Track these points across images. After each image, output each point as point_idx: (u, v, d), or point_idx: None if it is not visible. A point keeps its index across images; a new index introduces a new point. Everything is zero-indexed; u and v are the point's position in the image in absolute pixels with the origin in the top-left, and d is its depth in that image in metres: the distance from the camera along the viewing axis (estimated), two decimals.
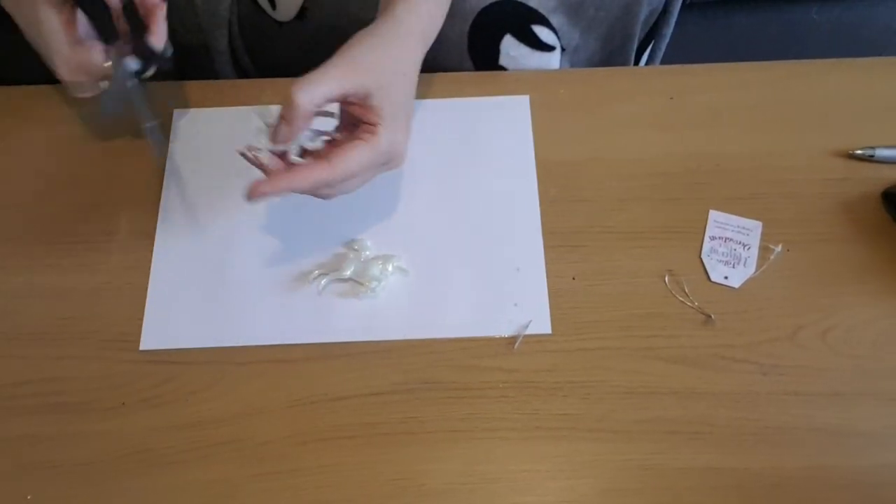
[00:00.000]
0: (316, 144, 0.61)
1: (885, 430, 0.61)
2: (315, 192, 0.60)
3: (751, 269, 0.67)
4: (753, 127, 0.74)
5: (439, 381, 0.63)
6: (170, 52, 0.66)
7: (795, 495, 0.59)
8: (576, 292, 0.66)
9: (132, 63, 0.64)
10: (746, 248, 0.68)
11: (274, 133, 0.58)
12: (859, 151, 0.71)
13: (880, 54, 0.78)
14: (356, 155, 0.58)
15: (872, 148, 0.71)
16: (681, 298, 0.66)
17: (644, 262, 0.67)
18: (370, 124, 0.59)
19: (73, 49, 0.62)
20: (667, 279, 0.67)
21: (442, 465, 0.60)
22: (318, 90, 0.56)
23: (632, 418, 0.62)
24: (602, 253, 0.68)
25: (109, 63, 0.63)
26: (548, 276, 0.67)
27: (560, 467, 0.60)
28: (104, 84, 0.65)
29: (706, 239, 0.68)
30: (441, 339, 0.65)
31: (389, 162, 0.61)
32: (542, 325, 0.65)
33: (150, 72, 0.65)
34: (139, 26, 0.63)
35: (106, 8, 0.62)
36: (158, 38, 0.64)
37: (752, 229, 0.68)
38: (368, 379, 0.63)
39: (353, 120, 0.61)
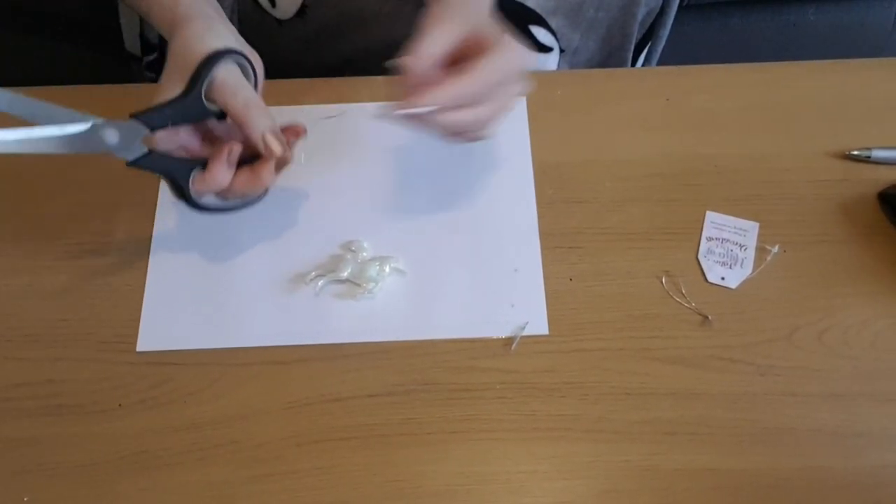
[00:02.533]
0: None
1: (882, 430, 0.61)
2: (459, 113, 0.58)
3: (748, 270, 0.67)
4: (750, 128, 0.74)
5: (436, 382, 0.63)
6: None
7: (793, 496, 0.59)
8: (573, 293, 0.66)
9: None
10: (743, 248, 0.68)
11: (402, 88, 0.57)
12: (856, 152, 0.71)
13: (877, 55, 0.79)
14: (487, 62, 0.57)
15: (869, 149, 0.71)
16: (678, 299, 0.66)
17: (641, 263, 0.67)
18: (486, 45, 0.58)
19: None
20: (664, 280, 0.67)
21: (439, 467, 0.60)
22: (437, 40, 0.56)
23: (629, 419, 0.62)
24: (599, 254, 0.68)
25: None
26: (545, 278, 0.67)
27: (558, 468, 0.60)
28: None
29: (703, 240, 0.68)
30: (438, 340, 0.65)
31: (516, 76, 0.60)
32: (539, 326, 0.65)
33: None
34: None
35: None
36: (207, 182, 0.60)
37: (748, 230, 0.68)
38: (365, 380, 0.63)
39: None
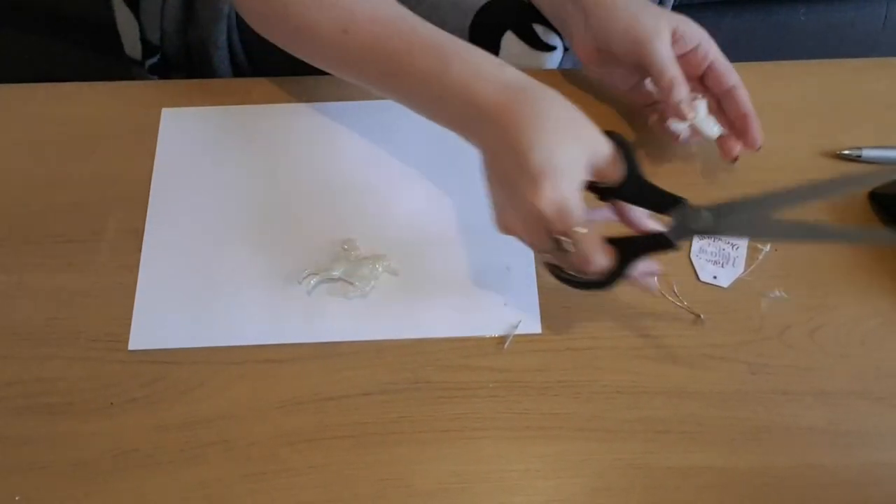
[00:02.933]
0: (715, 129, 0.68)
1: (873, 428, 0.61)
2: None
3: (739, 269, 0.67)
4: None
5: (429, 380, 0.63)
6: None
7: (784, 494, 0.59)
8: (565, 292, 0.66)
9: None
10: (735, 247, 0.68)
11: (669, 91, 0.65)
12: (847, 152, 0.72)
13: (867, 55, 0.79)
14: (721, 58, 0.68)
15: (859, 148, 0.72)
16: (670, 298, 0.66)
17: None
18: (701, 40, 0.67)
19: None
20: (656, 279, 0.67)
21: (432, 465, 0.60)
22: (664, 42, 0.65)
23: (621, 417, 0.62)
24: None
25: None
26: (538, 276, 0.67)
27: (550, 466, 0.60)
28: None
29: (694, 239, 0.68)
30: (431, 339, 0.65)
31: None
32: (531, 324, 0.65)
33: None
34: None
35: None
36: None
37: None
38: (358, 379, 0.63)
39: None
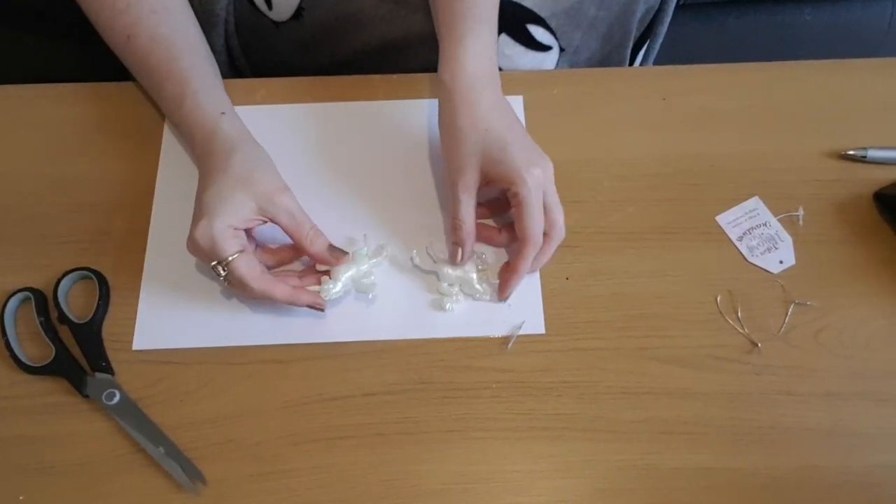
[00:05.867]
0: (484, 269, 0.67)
1: (877, 430, 0.61)
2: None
3: (789, 240, 0.68)
4: (746, 128, 0.74)
5: (433, 381, 0.63)
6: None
7: (788, 495, 0.59)
8: (569, 293, 0.66)
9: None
10: (768, 226, 0.68)
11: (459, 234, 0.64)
12: (852, 152, 0.72)
13: (873, 55, 0.79)
14: (529, 212, 0.62)
15: (864, 149, 0.71)
16: (675, 298, 0.66)
17: (637, 263, 0.67)
18: (511, 185, 0.62)
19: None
20: (660, 279, 0.67)
21: (436, 466, 0.60)
22: (470, 202, 0.63)
23: (626, 418, 0.62)
24: (596, 253, 0.68)
25: None
26: (542, 277, 0.67)
27: (554, 467, 0.60)
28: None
29: (737, 243, 0.68)
30: (435, 340, 0.65)
31: (545, 183, 0.64)
32: (535, 325, 0.65)
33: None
34: None
35: None
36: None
37: (756, 207, 0.69)
38: (362, 379, 0.63)
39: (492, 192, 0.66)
